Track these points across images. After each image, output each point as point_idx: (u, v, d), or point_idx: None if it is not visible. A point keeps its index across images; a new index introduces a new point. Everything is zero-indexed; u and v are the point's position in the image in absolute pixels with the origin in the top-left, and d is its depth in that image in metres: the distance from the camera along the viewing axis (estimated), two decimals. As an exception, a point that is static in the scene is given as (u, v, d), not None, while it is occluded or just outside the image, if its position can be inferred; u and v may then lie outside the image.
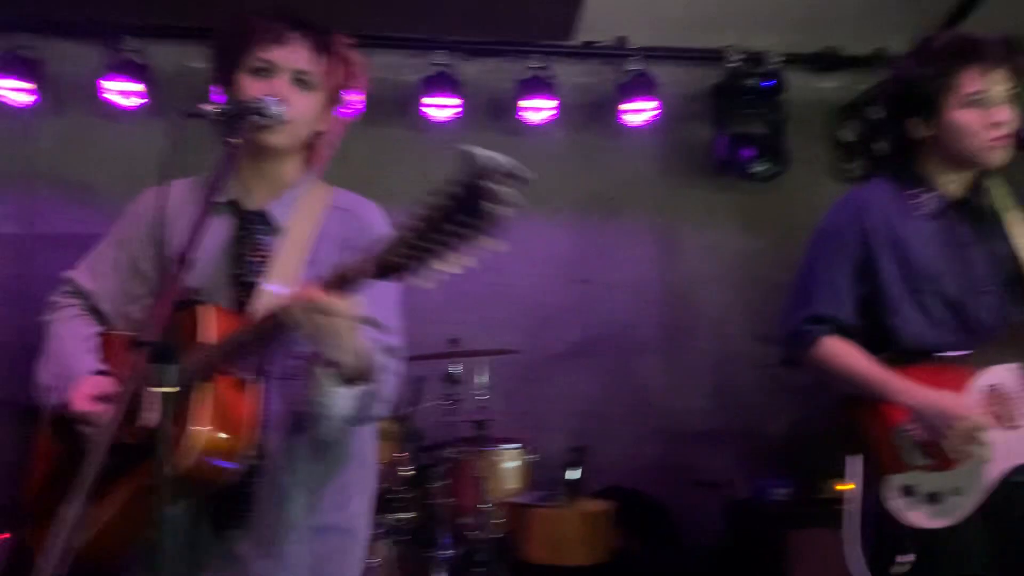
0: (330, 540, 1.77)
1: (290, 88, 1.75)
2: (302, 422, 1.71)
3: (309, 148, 1.89)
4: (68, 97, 4.71)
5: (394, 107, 4.85)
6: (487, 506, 4.04)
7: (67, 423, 1.65)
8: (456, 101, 4.67)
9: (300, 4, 1.87)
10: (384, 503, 3.78)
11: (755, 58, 4.82)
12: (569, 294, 5.00)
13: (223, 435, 1.55)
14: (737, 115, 4.89)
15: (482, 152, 1.23)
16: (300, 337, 1.50)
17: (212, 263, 1.74)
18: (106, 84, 4.47)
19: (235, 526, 1.68)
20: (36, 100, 4.50)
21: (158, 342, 1.19)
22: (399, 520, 3.81)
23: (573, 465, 4.20)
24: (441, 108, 4.68)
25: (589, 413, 4.93)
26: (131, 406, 1.38)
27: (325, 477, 1.77)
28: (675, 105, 4.97)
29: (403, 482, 3.91)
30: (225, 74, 1.79)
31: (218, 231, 1.76)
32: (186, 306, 1.28)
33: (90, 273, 1.87)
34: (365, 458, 1.88)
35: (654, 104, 4.76)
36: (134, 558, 1.66)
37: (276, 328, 1.52)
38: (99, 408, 1.60)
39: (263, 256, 1.77)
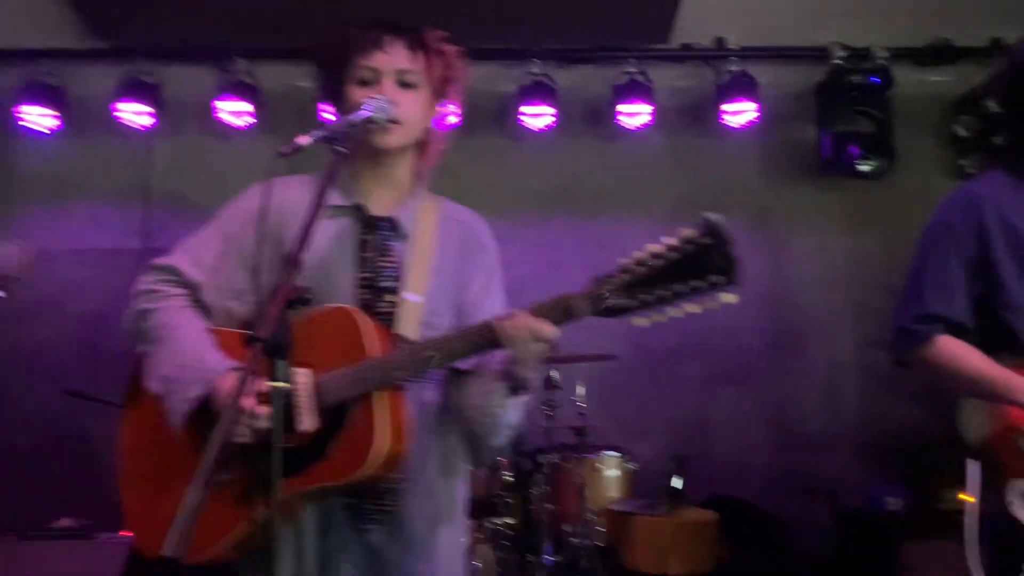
0: (445, 530, 1.83)
1: (395, 89, 1.79)
2: (435, 422, 1.79)
3: (420, 148, 1.92)
4: (183, 118, 4.97)
5: (491, 117, 4.91)
6: (588, 513, 4.03)
7: (208, 417, 1.62)
8: (551, 109, 4.69)
9: (399, 16, 1.93)
10: (486, 508, 3.81)
11: (860, 54, 4.69)
12: (670, 300, 4.93)
13: (398, 444, 1.62)
14: (842, 113, 4.77)
15: (719, 217, 1.45)
16: (507, 355, 1.61)
17: (336, 265, 1.77)
18: (219, 104, 4.68)
19: (376, 522, 1.73)
20: (154, 122, 4.75)
21: (272, 338, 1.23)
22: (500, 525, 3.83)
23: (675, 473, 4.14)
24: (537, 117, 4.71)
25: (691, 420, 4.86)
26: (286, 412, 1.43)
27: (450, 472, 1.84)
28: (776, 105, 4.87)
29: (504, 487, 3.94)
30: (333, 89, 1.84)
31: (340, 233, 1.80)
32: (298, 304, 1.31)
33: (195, 264, 1.81)
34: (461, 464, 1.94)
35: (754, 105, 4.67)
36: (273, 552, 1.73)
37: (484, 346, 1.61)
38: (262, 406, 1.55)
39: (392, 262, 1.80)
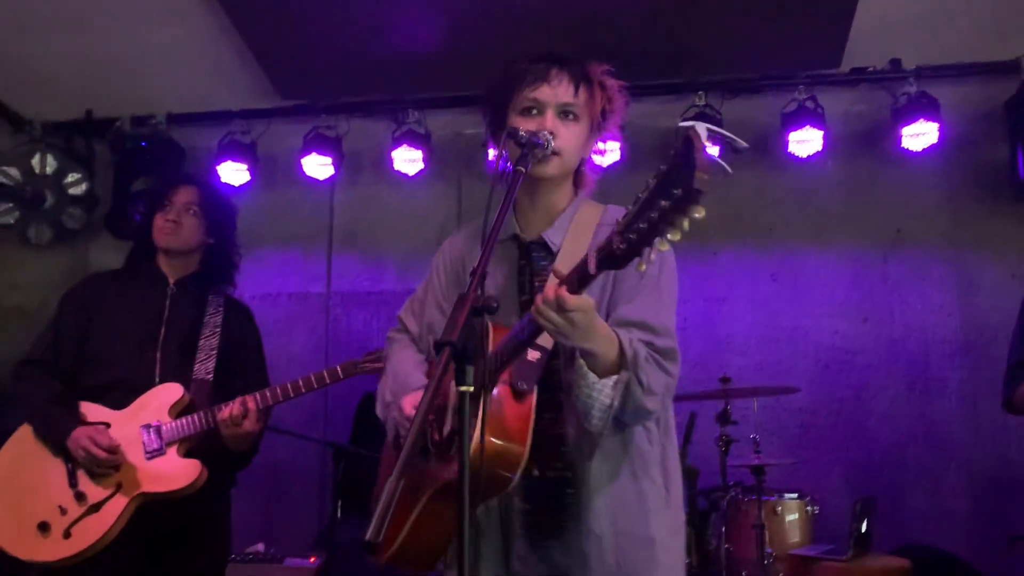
0: (632, 548, 1.79)
1: (556, 121, 1.84)
2: (585, 429, 1.77)
3: (575, 178, 1.99)
4: (361, 168, 5.26)
5: (653, 153, 4.90)
6: (768, 558, 3.84)
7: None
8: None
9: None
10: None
11: (1055, 65, 4.35)
12: (851, 335, 4.70)
13: (498, 443, 1.62)
14: (1039, 129, 4.42)
15: (693, 123, 1.23)
16: (551, 335, 1.57)
17: (502, 295, 1.86)
18: (393, 154, 4.91)
19: (550, 535, 1.76)
20: (335, 173, 5.03)
21: (457, 343, 1.28)
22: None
23: (862, 517, 3.89)
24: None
25: (878, 462, 4.58)
26: (441, 412, 1.53)
27: (613, 480, 1.81)
28: (961, 126, 4.60)
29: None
30: (500, 124, 1.92)
31: (503, 265, 1.91)
32: (484, 312, 1.36)
33: (411, 315, 2.14)
34: (666, 470, 1.89)
35: (936, 126, 4.42)
36: (446, 555, 1.80)
37: (527, 330, 1.60)
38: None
39: (544, 280, 1.84)
